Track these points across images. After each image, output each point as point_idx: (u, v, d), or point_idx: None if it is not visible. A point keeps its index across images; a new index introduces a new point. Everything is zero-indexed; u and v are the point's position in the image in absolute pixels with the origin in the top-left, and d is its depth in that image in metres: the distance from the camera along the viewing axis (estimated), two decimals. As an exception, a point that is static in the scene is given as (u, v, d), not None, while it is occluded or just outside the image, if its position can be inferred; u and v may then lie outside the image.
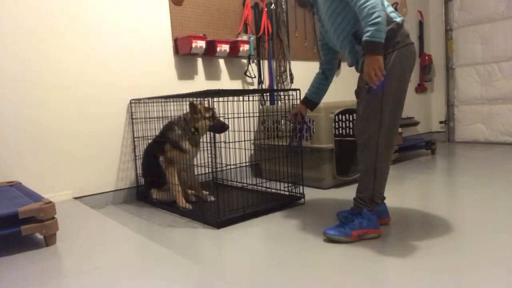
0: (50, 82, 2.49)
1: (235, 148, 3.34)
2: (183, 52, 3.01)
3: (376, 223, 1.86)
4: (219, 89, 2.07)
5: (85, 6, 2.61)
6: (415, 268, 1.51)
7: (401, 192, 2.74)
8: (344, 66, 4.28)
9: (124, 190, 2.84)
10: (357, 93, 1.97)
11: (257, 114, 3.50)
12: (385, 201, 2.04)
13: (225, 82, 3.39)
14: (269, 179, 3.29)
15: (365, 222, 1.82)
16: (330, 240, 1.82)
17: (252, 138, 3.53)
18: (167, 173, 2.48)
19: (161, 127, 2.74)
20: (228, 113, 3.27)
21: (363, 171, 1.86)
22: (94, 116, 2.68)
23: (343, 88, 4.24)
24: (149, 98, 2.72)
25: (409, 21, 5.30)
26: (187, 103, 2.70)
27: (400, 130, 4.10)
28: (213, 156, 2.22)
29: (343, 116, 3.27)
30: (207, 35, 3.09)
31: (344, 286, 1.39)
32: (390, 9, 1.78)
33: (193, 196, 2.62)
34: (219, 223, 2.12)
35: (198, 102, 2.53)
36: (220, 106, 3.10)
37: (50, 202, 1.73)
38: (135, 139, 2.87)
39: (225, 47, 3.13)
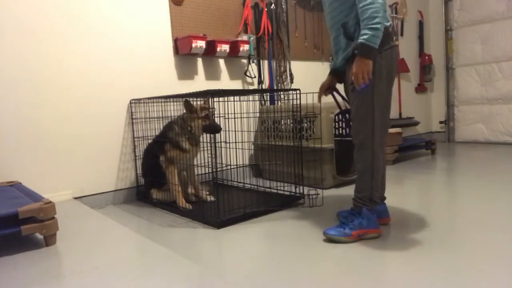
0: (50, 82, 2.49)
1: (235, 148, 3.34)
2: (183, 52, 3.01)
3: (376, 223, 1.86)
4: (219, 89, 2.07)
5: (85, 6, 2.61)
6: (415, 268, 1.51)
7: (401, 192, 2.74)
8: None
9: (124, 190, 2.84)
10: (347, 93, 2.03)
11: (257, 114, 3.50)
12: (385, 201, 2.05)
13: (225, 82, 3.39)
14: (269, 179, 3.29)
15: (365, 222, 1.82)
16: (330, 240, 1.82)
17: (252, 138, 3.53)
18: (168, 173, 2.48)
19: (161, 127, 2.74)
20: (228, 113, 3.27)
21: (361, 171, 1.87)
22: (94, 116, 2.68)
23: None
24: (149, 98, 2.72)
25: (409, 21, 5.30)
26: (200, 105, 2.69)
27: (400, 130, 4.09)
28: (213, 156, 2.22)
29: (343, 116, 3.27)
30: (207, 35, 3.09)
31: (344, 286, 1.39)
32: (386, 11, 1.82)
33: (193, 196, 2.62)
34: (219, 223, 2.12)
35: (194, 101, 2.53)
36: (220, 106, 3.10)
37: (50, 202, 1.73)
38: (135, 139, 2.87)
39: (225, 47, 3.13)
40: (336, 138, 2.93)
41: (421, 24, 5.47)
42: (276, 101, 3.69)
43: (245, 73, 3.51)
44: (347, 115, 2.22)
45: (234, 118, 3.13)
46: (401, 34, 5.17)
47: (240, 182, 3.12)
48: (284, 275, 1.50)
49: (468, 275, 1.43)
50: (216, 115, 2.50)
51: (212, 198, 2.58)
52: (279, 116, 3.16)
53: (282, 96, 3.72)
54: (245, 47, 3.22)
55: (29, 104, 2.41)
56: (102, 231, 1.95)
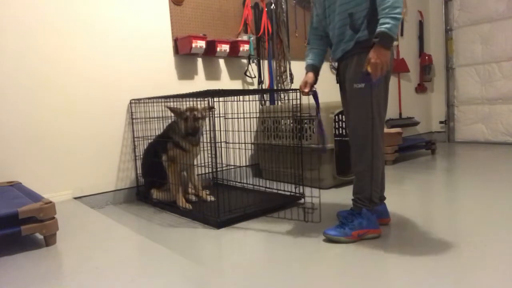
0: (50, 82, 2.49)
1: (235, 148, 3.34)
2: (183, 52, 3.01)
3: (376, 223, 1.86)
4: (219, 89, 2.07)
5: (85, 6, 2.61)
6: (415, 267, 1.51)
7: (401, 192, 2.74)
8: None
9: (124, 190, 2.84)
10: (341, 91, 2.00)
11: (257, 114, 3.50)
12: (385, 201, 2.05)
13: (225, 82, 3.39)
14: (269, 179, 3.29)
15: (365, 222, 1.82)
16: (330, 240, 1.82)
17: (252, 138, 3.53)
18: (169, 172, 2.49)
19: (161, 127, 2.74)
20: (228, 113, 3.27)
21: (360, 172, 1.85)
22: (94, 116, 2.68)
23: (343, 88, 4.24)
24: (149, 98, 2.72)
25: (409, 21, 5.30)
26: (188, 103, 2.70)
27: (400, 130, 4.09)
28: (213, 156, 2.22)
29: (343, 116, 3.27)
30: (207, 35, 3.09)
31: (344, 286, 1.39)
32: None
33: (193, 196, 2.62)
34: (219, 223, 2.12)
35: (194, 101, 2.53)
36: (221, 106, 3.10)
37: (50, 202, 1.73)
38: (135, 139, 2.87)
39: (225, 47, 3.13)
40: (336, 138, 2.93)
41: (421, 24, 5.47)
42: (276, 101, 3.69)
43: (245, 73, 3.51)
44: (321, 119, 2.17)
45: (233, 118, 3.12)
46: (401, 34, 5.17)
47: (240, 182, 3.12)
48: (284, 275, 1.50)
49: (468, 275, 1.43)
50: (216, 115, 2.50)
51: (212, 198, 2.58)
52: (279, 116, 3.16)
53: (282, 96, 3.72)
54: (245, 47, 3.22)
55: (29, 104, 2.41)
56: (102, 231, 1.95)
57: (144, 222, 2.30)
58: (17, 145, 2.38)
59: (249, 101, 3.44)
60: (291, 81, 3.77)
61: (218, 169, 3.24)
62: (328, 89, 4.18)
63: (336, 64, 2.03)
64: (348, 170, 3.02)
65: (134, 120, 2.85)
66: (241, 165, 3.49)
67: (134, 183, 2.89)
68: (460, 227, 1.96)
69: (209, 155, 3.09)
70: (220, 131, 2.75)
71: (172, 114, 2.57)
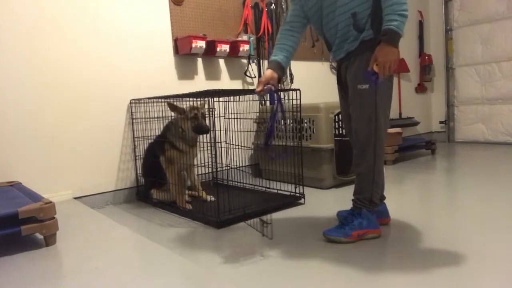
0: (51, 82, 2.49)
1: (235, 148, 3.34)
2: (183, 52, 3.01)
3: (375, 223, 1.86)
4: (219, 89, 2.07)
5: (85, 6, 2.61)
6: (415, 268, 1.51)
7: (401, 192, 2.74)
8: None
9: (124, 190, 2.85)
10: (340, 91, 1.97)
11: (257, 114, 3.50)
12: (385, 201, 2.04)
13: (225, 82, 3.39)
14: (269, 179, 3.29)
15: (364, 222, 1.82)
16: (330, 240, 1.82)
17: (252, 138, 3.53)
18: (167, 173, 2.49)
19: (161, 127, 2.74)
20: (228, 113, 3.27)
21: (362, 173, 1.83)
22: (94, 116, 2.68)
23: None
24: (149, 98, 2.72)
25: (409, 21, 5.29)
26: (188, 103, 2.70)
27: (400, 130, 4.09)
28: (213, 156, 2.22)
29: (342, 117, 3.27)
30: (207, 35, 3.09)
31: (344, 286, 1.39)
32: None
33: (187, 195, 2.61)
34: (219, 223, 2.12)
35: (194, 101, 2.53)
36: (221, 106, 3.10)
37: (50, 202, 1.73)
38: (135, 139, 2.87)
39: (225, 47, 3.13)
40: (336, 138, 2.93)
41: (421, 24, 5.47)
42: (276, 101, 3.68)
43: (245, 73, 3.51)
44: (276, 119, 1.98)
45: (231, 118, 3.12)
46: (401, 34, 5.16)
47: (240, 182, 3.12)
48: (284, 275, 1.50)
49: (468, 275, 1.43)
50: (216, 115, 2.49)
51: (212, 198, 2.58)
52: (279, 116, 3.15)
53: (282, 96, 3.71)
54: (245, 47, 3.22)
55: (29, 104, 2.41)
56: (102, 231, 1.95)
57: (144, 222, 2.30)
58: (17, 145, 2.38)
59: (249, 101, 3.44)
60: (291, 81, 3.77)
61: (218, 169, 3.24)
62: (328, 89, 4.19)
63: (335, 64, 2.00)
64: (348, 170, 3.02)
65: (134, 120, 2.85)
66: (241, 165, 3.49)
67: (134, 183, 2.89)
68: (460, 227, 1.96)
69: (209, 155, 3.09)
70: (220, 131, 2.75)
71: (173, 114, 2.55)
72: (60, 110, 2.53)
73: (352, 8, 1.72)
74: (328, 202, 2.55)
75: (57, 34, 2.51)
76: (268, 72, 1.91)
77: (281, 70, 1.93)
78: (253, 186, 2.94)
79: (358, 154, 1.83)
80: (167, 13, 3.01)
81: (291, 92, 2.56)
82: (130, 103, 2.84)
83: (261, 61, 3.60)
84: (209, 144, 2.96)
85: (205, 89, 2.54)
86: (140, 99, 2.80)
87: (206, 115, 2.48)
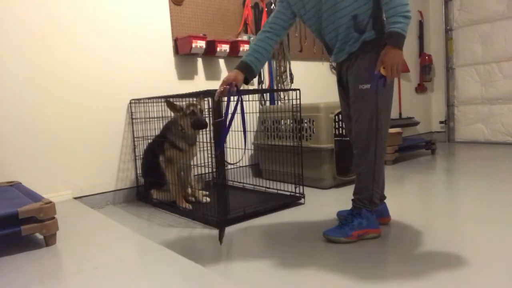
0: (50, 82, 2.49)
1: (235, 148, 3.34)
2: (183, 52, 3.01)
3: (375, 222, 1.86)
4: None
5: (85, 6, 2.61)
6: (415, 267, 1.51)
7: (401, 192, 2.74)
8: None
9: (124, 190, 2.85)
10: (340, 93, 1.97)
11: (257, 114, 3.50)
12: (385, 201, 2.04)
13: (225, 82, 3.39)
14: (269, 179, 3.29)
15: (364, 222, 1.82)
16: (330, 240, 1.82)
17: (252, 138, 3.53)
18: (167, 173, 2.48)
19: (161, 127, 2.74)
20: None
21: (362, 173, 1.83)
22: (94, 116, 2.68)
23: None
24: (149, 98, 2.72)
25: (409, 21, 5.30)
26: (187, 103, 2.69)
27: (400, 130, 4.09)
28: (213, 156, 2.22)
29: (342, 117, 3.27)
30: (207, 35, 3.09)
31: (344, 286, 1.39)
32: None
33: (192, 196, 2.61)
34: (219, 223, 2.12)
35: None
36: (220, 106, 3.09)
37: (50, 202, 1.73)
38: (135, 139, 2.87)
39: (225, 47, 3.13)
40: (336, 138, 2.93)
41: (421, 24, 5.47)
42: (276, 101, 3.69)
43: (245, 73, 3.51)
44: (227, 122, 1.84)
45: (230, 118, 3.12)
46: (401, 34, 5.16)
47: (240, 182, 3.13)
48: (284, 275, 1.50)
49: (468, 274, 1.43)
50: (197, 112, 2.47)
51: (208, 199, 2.57)
52: (279, 116, 3.16)
53: (282, 96, 3.72)
54: (245, 47, 3.22)
55: (29, 104, 2.41)
56: (102, 231, 1.95)
57: (144, 222, 2.30)
58: (17, 145, 2.38)
59: (249, 101, 3.44)
60: (291, 81, 3.77)
61: (218, 169, 3.24)
62: (328, 89, 4.19)
63: (335, 65, 2.00)
64: (348, 170, 3.02)
65: (134, 120, 2.86)
66: (241, 165, 3.49)
67: (134, 183, 2.89)
68: (459, 227, 1.96)
69: (209, 155, 3.09)
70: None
71: (172, 114, 2.55)
72: (60, 110, 2.53)
73: (353, 11, 1.71)
74: (328, 202, 2.55)
75: (57, 34, 2.51)
76: (232, 73, 1.81)
77: (249, 72, 1.84)
78: (253, 186, 2.94)
79: (359, 154, 1.83)
80: (167, 13, 3.01)
81: (291, 92, 2.56)
82: (130, 103, 2.84)
83: (261, 61, 3.59)
84: (208, 144, 2.96)
85: (205, 89, 2.54)
86: (140, 99, 2.80)
87: (205, 113, 2.48)
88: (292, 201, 2.54)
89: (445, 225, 2.00)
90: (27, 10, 2.39)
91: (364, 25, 1.71)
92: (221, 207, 2.08)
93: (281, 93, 3.71)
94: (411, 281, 1.40)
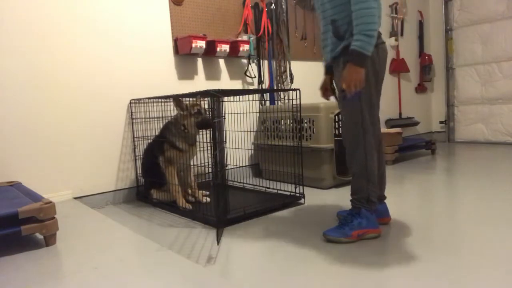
0: (50, 82, 2.49)
1: (235, 148, 3.34)
2: (183, 52, 3.01)
3: (375, 222, 1.86)
4: (219, 89, 2.07)
5: (85, 7, 2.61)
6: (415, 267, 1.51)
7: (401, 192, 2.74)
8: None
9: (124, 190, 2.85)
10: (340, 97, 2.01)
11: (257, 114, 3.50)
12: (385, 201, 2.05)
13: (225, 82, 3.39)
14: (269, 179, 3.29)
15: (364, 222, 1.82)
16: (330, 241, 1.82)
17: (252, 138, 3.53)
18: (167, 173, 2.48)
19: (161, 127, 2.74)
20: (228, 113, 3.27)
21: (356, 174, 1.86)
22: (94, 116, 2.68)
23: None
24: (149, 98, 2.72)
25: (409, 21, 5.30)
26: (191, 102, 2.70)
27: (400, 130, 4.09)
28: (213, 156, 2.22)
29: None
30: (207, 35, 3.09)
31: (344, 286, 1.39)
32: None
33: (192, 196, 2.62)
34: (219, 223, 2.11)
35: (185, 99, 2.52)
36: (225, 106, 3.10)
37: (50, 202, 1.73)
38: (135, 139, 2.87)
39: (225, 47, 3.13)
40: (336, 138, 2.93)
41: (421, 24, 5.47)
42: (276, 101, 3.69)
43: (245, 73, 3.51)
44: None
45: (234, 118, 3.13)
46: (401, 34, 5.17)
47: (240, 182, 3.13)
48: (284, 275, 1.50)
49: (468, 274, 1.43)
50: (202, 111, 2.47)
51: (208, 199, 2.57)
52: (279, 116, 3.16)
53: (282, 96, 3.72)
54: (245, 47, 3.22)
55: (29, 104, 2.41)
56: (102, 231, 1.95)
57: (144, 222, 2.30)
58: (17, 145, 2.38)
59: (249, 101, 3.45)
60: (291, 81, 3.77)
61: (220, 169, 3.24)
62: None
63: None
64: (348, 170, 3.02)
65: (134, 120, 2.86)
66: (241, 165, 3.49)
67: (134, 183, 2.89)
68: (459, 226, 1.96)
69: (209, 155, 3.10)
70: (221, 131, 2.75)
71: (172, 114, 2.55)
72: (60, 110, 2.54)
73: (332, 15, 1.79)
74: (328, 202, 2.55)
75: (57, 34, 2.51)
76: (325, 79, 2.10)
77: (328, 69, 2.04)
78: (253, 186, 2.94)
79: (349, 154, 1.88)
80: (167, 13, 3.01)
81: (291, 92, 2.57)
82: (130, 103, 2.85)
83: (261, 61, 3.60)
84: (209, 144, 2.96)
85: (205, 89, 2.54)
86: (140, 99, 2.80)
87: (207, 113, 2.48)
88: (292, 201, 2.54)
89: (445, 225, 2.00)
90: (27, 10, 2.39)
91: (342, 31, 1.77)
92: (219, 208, 2.07)
93: (281, 93, 3.71)
94: (411, 281, 1.40)
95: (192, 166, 2.64)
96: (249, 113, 3.41)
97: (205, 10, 3.22)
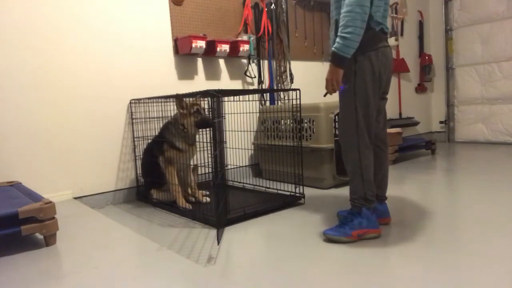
0: (51, 83, 2.49)
1: (235, 148, 3.34)
2: (183, 52, 3.01)
3: (375, 222, 1.86)
4: (219, 89, 2.07)
5: (86, 6, 2.61)
6: (416, 267, 1.51)
7: (401, 192, 2.74)
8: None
9: (124, 190, 2.85)
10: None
11: (257, 114, 3.50)
12: (385, 201, 2.05)
13: (225, 82, 3.39)
14: (269, 179, 3.29)
15: (364, 222, 1.82)
16: (330, 240, 1.83)
17: (252, 138, 3.53)
18: (167, 173, 2.48)
19: (161, 127, 2.74)
20: (228, 113, 3.27)
21: (351, 172, 1.88)
22: (94, 116, 2.68)
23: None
24: (149, 98, 2.72)
25: (409, 21, 5.30)
26: (189, 102, 2.69)
27: (400, 130, 4.10)
28: (213, 156, 2.21)
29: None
30: (207, 35, 3.09)
31: (344, 286, 1.39)
32: (379, 14, 1.79)
33: (193, 196, 2.62)
34: (217, 223, 2.11)
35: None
36: (225, 106, 3.09)
37: (50, 202, 1.73)
38: (135, 139, 2.87)
39: (225, 47, 3.13)
40: (336, 138, 2.93)
41: (421, 24, 5.47)
42: (276, 101, 3.69)
43: (245, 73, 3.51)
44: None
45: (234, 118, 3.13)
46: (401, 34, 5.17)
47: (240, 182, 3.13)
48: (284, 275, 1.50)
49: (468, 275, 1.43)
50: (201, 111, 2.47)
51: (208, 199, 2.57)
52: (279, 116, 3.16)
53: (282, 96, 3.72)
54: (245, 47, 3.22)
55: (29, 104, 2.41)
56: (102, 231, 1.95)
57: (144, 222, 2.30)
58: (17, 145, 2.38)
59: (249, 101, 3.45)
60: (291, 81, 3.77)
61: (221, 169, 3.24)
62: (328, 89, 4.19)
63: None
64: (348, 170, 3.02)
65: (134, 120, 2.86)
66: (241, 165, 3.49)
67: (134, 183, 2.89)
68: (460, 227, 1.96)
69: (209, 155, 3.10)
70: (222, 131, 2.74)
71: (172, 114, 2.55)
72: (60, 110, 2.53)
73: (335, 15, 1.84)
74: (328, 202, 2.55)
75: (57, 34, 2.51)
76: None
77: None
78: (253, 186, 2.94)
79: (344, 152, 1.91)
80: (167, 13, 3.01)
81: (291, 92, 2.56)
82: (130, 103, 2.85)
83: (261, 61, 3.60)
84: (209, 144, 2.96)
85: (205, 89, 2.54)
86: (140, 99, 2.80)
87: (206, 112, 2.48)
88: (292, 201, 2.54)
89: (445, 225, 2.00)
90: (27, 11, 2.39)
91: None
92: (219, 208, 2.07)
93: (281, 93, 3.71)
94: (411, 281, 1.40)
95: (192, 166, 2.63)
96: (249, 113, 3.41)
97: (205, 10, 3.22)
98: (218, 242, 1.88)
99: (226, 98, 3.26)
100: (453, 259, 1.57)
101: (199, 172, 2.73)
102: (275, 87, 3.68)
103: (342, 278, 1.45)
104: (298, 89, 2.56)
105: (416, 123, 5.32)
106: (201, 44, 2.94)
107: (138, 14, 2.86)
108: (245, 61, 3.51)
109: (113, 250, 1.67)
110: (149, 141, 2.76)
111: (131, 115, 2.85)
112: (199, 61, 3.22)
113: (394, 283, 1.40)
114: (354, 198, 1.88)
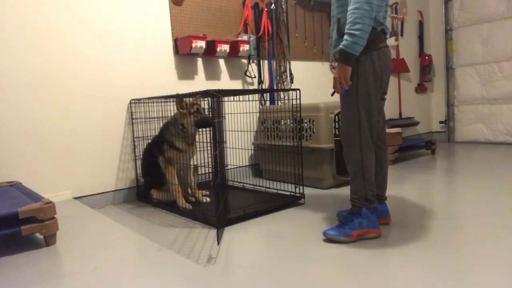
0: (50, 83, 2.49)
1: (235, 148, 3.34)
2: (183, 52, 3.01)
3: (376, 223, 1.86)
4: (219, 89, 2.07)
5: (86, 6, 2.61)
6: (416, 267, 1.51)
7: (401, 192, 2.74)
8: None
9: (124, 190, 2.85)
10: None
11: (257, 114, 3.50)
12: (385, 201, 2.05)
13: (225, 82, 3.39)
14: (269, 179, 3.29)
15: (364, 222, 1.82)
16: (330, 240, 1.83)
17: (252, 138, 3.53)
18: (167, 173, 2.48)
19: (160, 127, 2.74)
20: (228, 113, 3.27)
21: (352, 172, 1.88)
22: (94, 116, 2.68)
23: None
24: (149, 98, 2.72)
25: (409, 21, 5.30)
26: (189, 101, 2.69)
27: (400, 130, 4.10)
28: (213, 156, 2.22)
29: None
30: (207, 35, 3.09)
31: (344, 286, 1.39)
32: (381, 14, 1.80)
33: (193, 196, 2.62)
34: (217, 223, 2.11)
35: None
36: (225, 106, 3.09)
37: (50, 202, 1.74)
38: (135, 139, 2.87)
39: (225, 47, 3.13)
40: (336, 138, 2.93)
41: (421, 24, 5.47)
42: (276, 101, 3.69)
43: (245, 73, 3.51)
44: None
45: (234, 118, 3.13)
46: (401, 34, 5.17)
47: (240, 182, 3.13)
48: (284, 275, 1.50)
49: (468, 274, 1.43)
50: (201, 110, 2.47)
51: (208, 199, 2.57)
52: (279, 116, 3.16)
53: (282, 96, 3.72)
54: (245, 47, 3.22)
55: (29, 104, 2.41)
56: (102, 231, 1.95)
57: (144, 222, 2.30)
58: (17, 145, 2.38)
59: (249, 101, 3.45)
60: (291, 81, 3.77)
61: (221, 169, 3.24)
62: (328, 89, 4.19)
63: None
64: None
65: (134, 120, 2.86)
66: (241, 165, 3.49)
67: (134, 183, 2.89)
68: (460, 227, 1.96)
69: (209, 155, 3.10)
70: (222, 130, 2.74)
71: (172, 114, 2.55)
72: (60, 110, 2.53)
73: (337, 14, 1.84)
74: (328, 202, 2.55)
75: (57, 34, 2.51)
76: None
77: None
78: (253, 186, 2.94)
79: (346, 152, 1.90)
80: (167, 13, 3.01)
81: (291, 92, 2.57)
82: (130, 103, 2.85)
83: (261, 61, 3.60)
84: (209, 144, 2.96)
85: (205, 89, 2.54)
86: (140, 99, 2.80)
87: (207, 112, 2.48)
88: (292, 201, 2.54)
89: (445, 225, 2.00)
90: (27, 11, 2.39)
91: (344, 30, 1.79)
92: (219, 208, 2.07)
93: (281, 93, 3.71)
94: (411, 281, 1.40)
95: (192, 167, 2.63)
96: (249, 113, 3.41)
97: (205, 10, 3.23)
98: (218, 242, 1.88)
99: (226, 98, 3.26)
100: (453, 259, 1.57)
101: (199, 172, 2.72)
102: (275, 87, 3.68)
103: (342, 278, 1.45)
104: (298, 89, 2.56)
105: (416, 123, 5.32)
106: (201, 44, 2.94)
107: (138, 14, 2.86)
108: (245, 61, 3.51)
109: (113, 250, 1.67)
110: (149, 141, 2.76)
111: (131, 115, 2.85)
112: (199, 61, 3.22)
113: (394, 283, 1.40)
114: (355, 198, 1.88)
